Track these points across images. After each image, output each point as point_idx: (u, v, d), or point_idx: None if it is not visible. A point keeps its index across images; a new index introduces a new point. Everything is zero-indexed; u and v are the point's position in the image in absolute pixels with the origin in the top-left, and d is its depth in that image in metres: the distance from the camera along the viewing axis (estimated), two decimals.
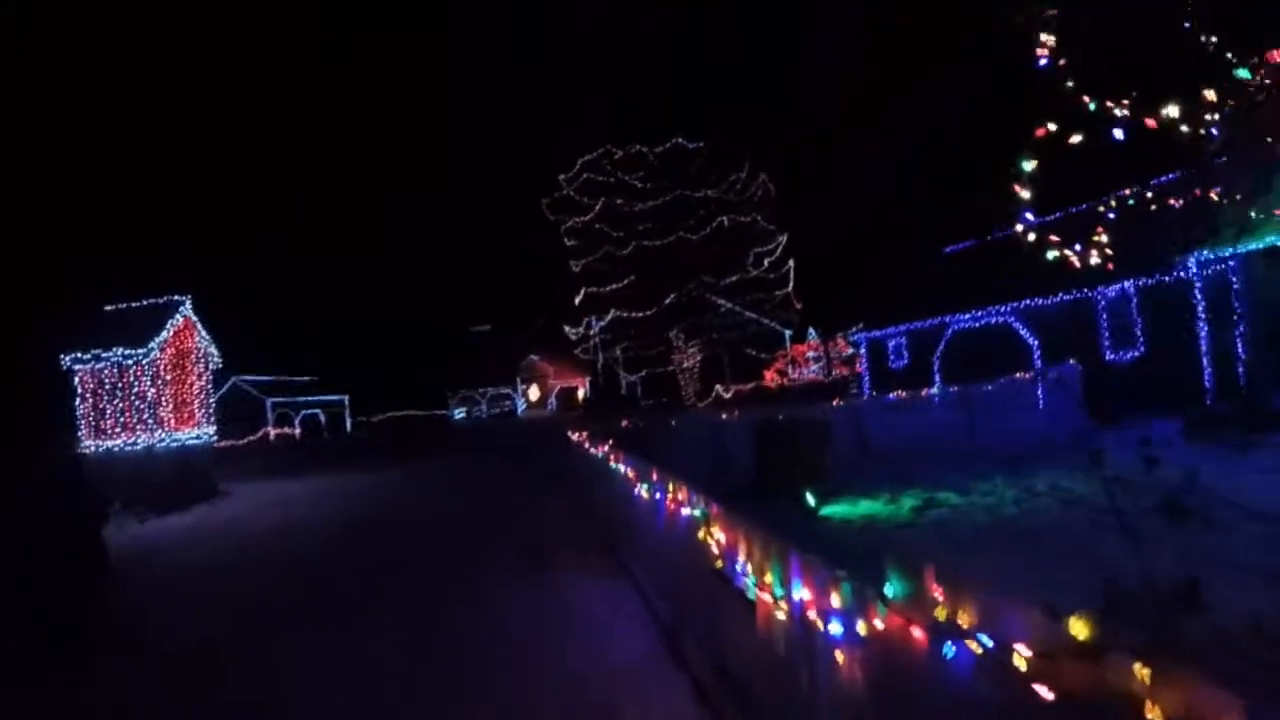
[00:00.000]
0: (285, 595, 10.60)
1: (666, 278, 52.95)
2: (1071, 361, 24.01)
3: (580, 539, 11.55)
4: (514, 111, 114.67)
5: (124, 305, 22.65)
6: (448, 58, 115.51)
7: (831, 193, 69.09)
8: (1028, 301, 26.25)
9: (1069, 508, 11.38)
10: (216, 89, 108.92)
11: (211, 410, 23.37)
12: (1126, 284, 23.11)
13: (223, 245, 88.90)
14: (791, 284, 55.75)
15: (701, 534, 4.92)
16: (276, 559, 13.22)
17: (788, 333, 57.54)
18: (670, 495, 5.86)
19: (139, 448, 20.54)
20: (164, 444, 20.84)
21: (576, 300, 56.81)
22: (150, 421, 20.53)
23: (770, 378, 53.86)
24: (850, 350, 49.45)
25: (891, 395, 19.84)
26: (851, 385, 43.63)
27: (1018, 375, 23.46)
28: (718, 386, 56.24)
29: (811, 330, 57.16)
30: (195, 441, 22.29)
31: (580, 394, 77.98)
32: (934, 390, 20.51)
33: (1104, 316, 24.01)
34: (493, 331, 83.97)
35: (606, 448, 10.26)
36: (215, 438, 23.73)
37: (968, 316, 28.36)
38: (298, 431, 70.25)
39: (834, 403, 18.84)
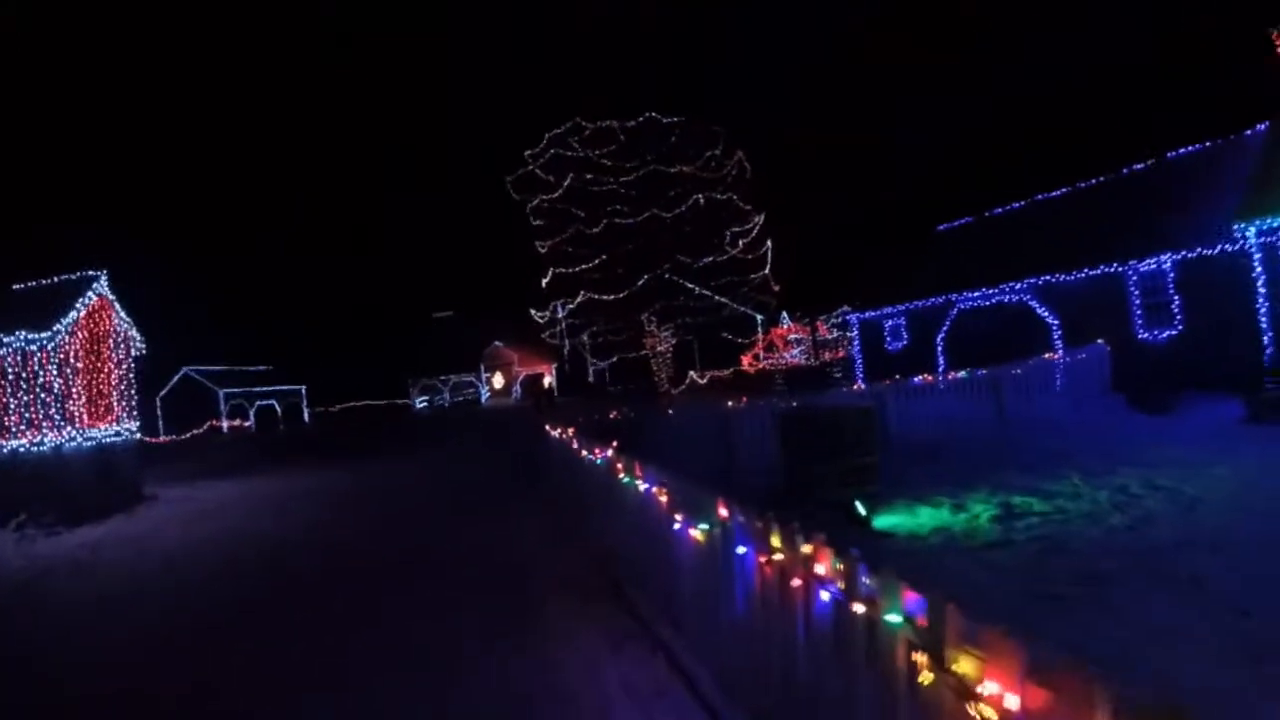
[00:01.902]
0: (174, 657, 7.94)
1: (639, 258, 50.23)
2: (1100, 341, 22.02)
3: (580, 585, 9.04)
4: (487, 90, 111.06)
5: (33, 284, 19.70)
6: (431, 37, 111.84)
7: (811, 171, 66.71)
8: (1047, 277, 24.08)
9: (1190, 513, 9.09)
10: (169, 67, 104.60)
11: (134, 404, 20.46)
12: (1161, 257, 20.96)
13: (172, 231, 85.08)
14: (769, 266, 53.36)
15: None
16: (177, 597, 10.50)
17: (759, 318, 55.29)
18: (767, 555, 3.36)
19: (45, 448, 17.63)
20: (75, 443, 17.94)
21: (544, 282, 54.04)
22: (58, 417, 17.62)
23: (747, 363, 51.57)
24: (831, 334, 47.33)
25: (916, 379, 17.47)
26: (836, 370, 41.40)
27: (1046, 356, 21.36)
28: (692, 373, 53.86)
29: (785, 315, 55.04)
30: (115, 439, 19.39)
31: (546, 381, 75.32)
32: (960, 373, 18.13)
33: (1135, 293, 21.84)
34: (455, 317, 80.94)
35: (608, 452, 7.75)
36: (139, 434, 20.79)
37: (977, 294, 26.10)
38: (251, 424, 67.17)
39: (854, 387, 16.35)
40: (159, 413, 65.70)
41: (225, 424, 64.78)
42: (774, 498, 11.35)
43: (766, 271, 53.08)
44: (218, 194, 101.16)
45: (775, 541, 3.31)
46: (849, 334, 44.19)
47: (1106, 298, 22.54)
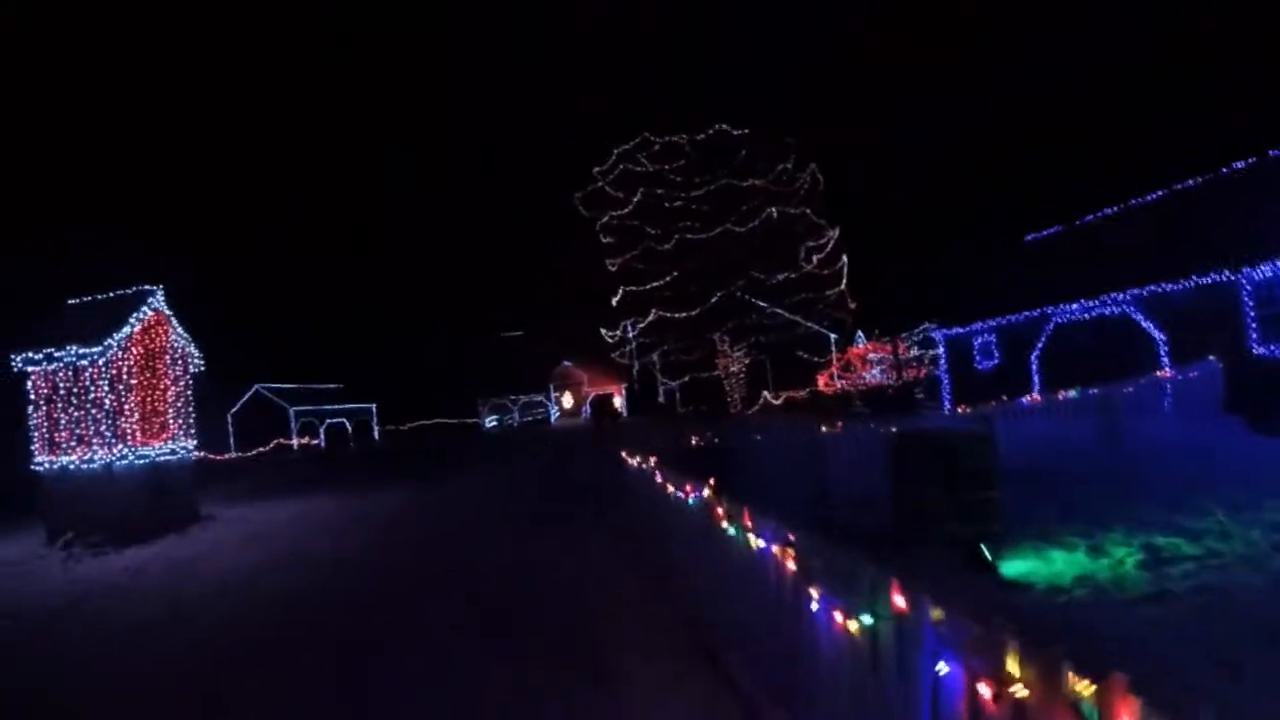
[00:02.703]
0: (187, 696, 6.84)
1: (711, 275, 48.98)
2: (1211, 358, 20.19)
3: (665, 649, 7.77)
4: (537, 109, 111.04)
5: (88, 299, 19.14)
6: (459, 53, 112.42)
7: (884, 182, 64.87)
8: (1152, 288, 22.17)
9: None
10: (235, 89, 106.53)
11: (191, 421, 19.73)
12: (1278, 262, 19.13)
13: (244, 249, 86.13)
14: (844, 281, 51.69)
15: None
16: (209, 631, 9.45)
17: (833, 337, 53.59)
18: (996, 685, 2.02)
19: (95, 465, 16.93)
20: (126, 461, 17.21)
21: (614, 301, 53.09)
22: (108, 434, 16.91)
23: (823, 383, 49.85)
24: (912, 352, 45.44)
25: (1024, 399, 15.88)
26: (918, 390, 39.51)
27: (1158, 373, 19.60)
28: (765, 393, 52.31)
29: (859, 333, 53.24)
30: (170, 457, 18.67)
31: (617, 402, 74.24)
32: (1070, 392, 16.50)
33: (1249, 303, 19.95)
34: (525, 337, 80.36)
35: (702, 491, 6.42)
36: (195, 452, 20.08)
37: (1075, 307, 24.26)
38: (321, 441, 67.19)
39: (959, 409, 14.83)
40: (230, 429, 66.14)
41: (295, 441, 64.83)
42: (880, 537, 9.98)
43: (842, 287, 51.44)
44: (293, 215, 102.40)
45: (1013, 666, 1.97)
46: (932, 352, 42.38)
47: (1217, 309, 20.65)
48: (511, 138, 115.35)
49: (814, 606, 3.53)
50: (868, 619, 2.86)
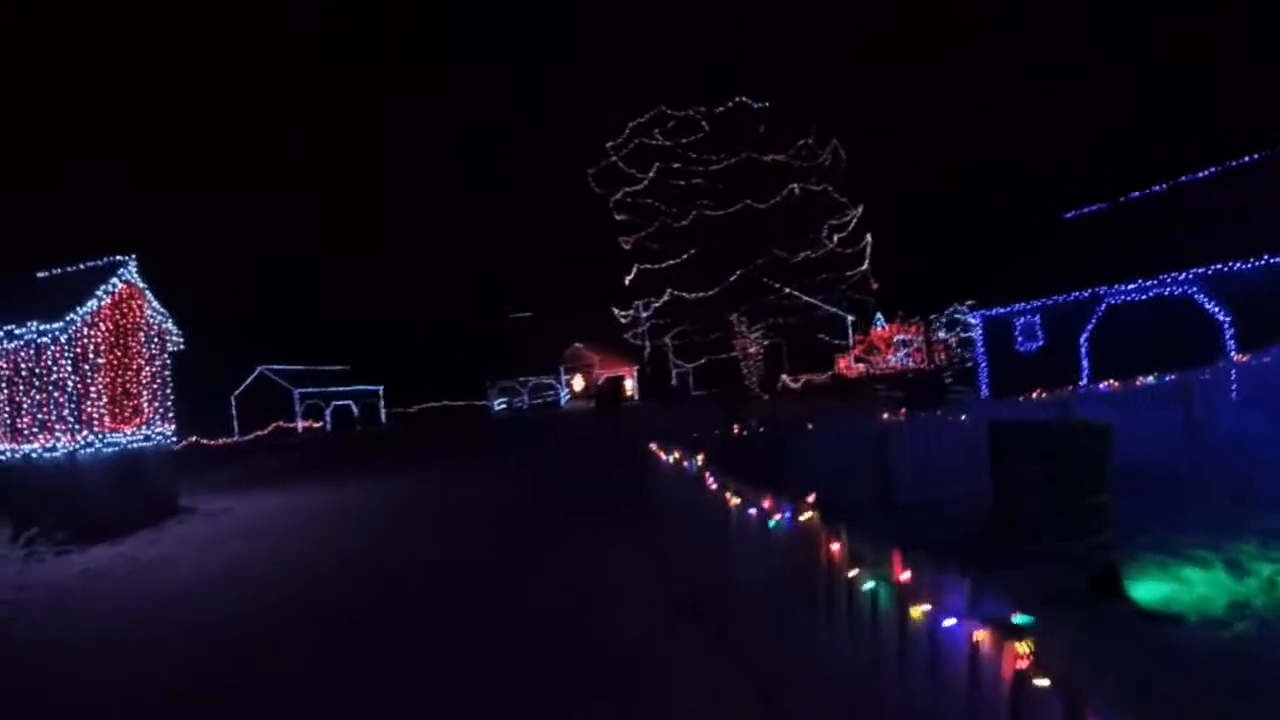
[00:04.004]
0: None
1: (729, 253, 46.89)
2: None
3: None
4: (553, 80, 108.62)
5: (57, 271, 17.43)
6: (468, 20, 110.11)
7: (909, 160, 62.75)
8: (1218, 266, 20.32)
9: None
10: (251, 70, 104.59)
11: (170, 404, 18.00)
12: None
13: (252, 228, 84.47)
14: (868, 261, 49.70)
15: None
16: (151, 650, 7.74)
17: (850, 319, 51.66)
18: None
19: (59, 454, 15.23)
20: (93, 449, 15.50)
21: (627, 280, 51.15)
22: (72, 420, 15.17)
23: (844, 366, 47.99)
24: (939, 334, 43.56)
25: (1102, 386, 14.06)
26: (947, 373, 37.59)
27: (1234, 358, 17.77)
28: (784, 377, 50.44)
29: (879, 316, 51.36)
30: (144, 444, 16.95)
31: (628, 384, 72.36)
32: (1149, 378, 14.67)
33: None
34: (534, 318, 78.50)
35: (803, 514, 4.54)
36: (174, 439, 18.38)
37: (1131, 287, 22.37)
38: (327, 424, 65.67)
39: (1034, 395, 13.00)
40: (234, 412, 64.69)
41: (300, 424, 63.30)
42: (970, 548, 8.21)
43: (865, 267, 49.48)
44: (303, 195, 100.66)
45: None
46: (961, 334, 40.49)
47: None
48: (522, 111, 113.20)
49: None
50: None
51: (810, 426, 10.33)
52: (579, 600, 8.24)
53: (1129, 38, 55.56)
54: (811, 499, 4.38)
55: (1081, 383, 13.92)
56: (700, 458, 7.26)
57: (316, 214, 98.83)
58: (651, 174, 48.19)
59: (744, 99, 47.95)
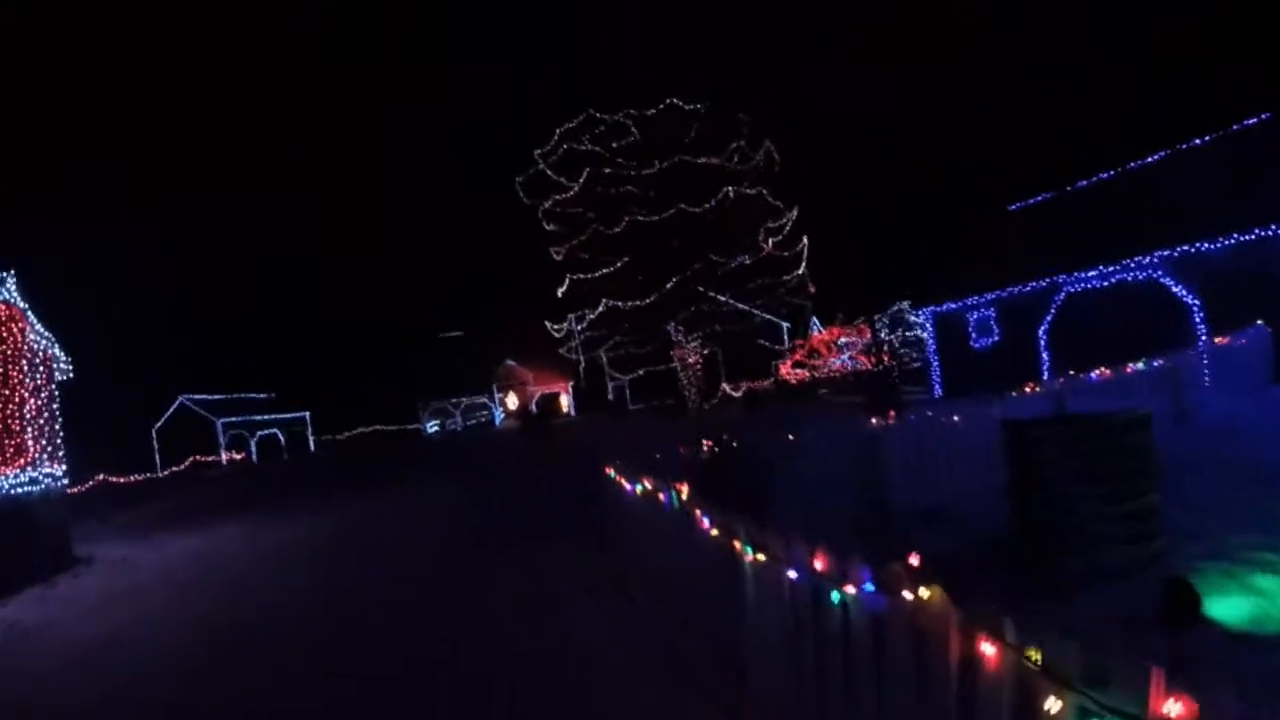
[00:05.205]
0: None
1: (664, 260, 45.53)
2: (1260, 323, 17.72)
3: None
4: (483, 88, 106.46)
5: None
6: (391, 27, 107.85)
7: (844, 161, 62.25)
8: (1185, 248, 19.57)
9: None
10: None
11: (59, 442, 15.98)
12: None
13: (166, 251, 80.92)
14: (804, 264, 48.81)
15: None
16: None
17: (785, 325, 50.73)
18: None
19: None
20: None
21: (559, 292, 49.50)
22: None
23: (785, 371, 46.96)
24: (882, 334, 42.68)
25: (1093, 374, 12.97)
26: (894, 373, 36.59)
27: (1218, 341, 16.96)
28: (725, 385, 49.30)
29: (815, 320, 50.62)
30: (29, 489, 14.89)
31: (563, 401, 70.58)
32: (1138, 365, 13.67)
33: None
34: (465, 336, 76.33)
35: (857, 575, 3.08)
36: (65, 480, 16.34)
37: (1094, 273, 21.52)
38: (253, 455, 62.85)
39: (1030, 390, 11.78)
40: (155, 446, 61.55)
41: (224, 456, 60.41)
42: (985, 563, 6.87)
43: (803, 270, 48.57)
44: (209, 205, 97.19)
45: None
46: (905, 334, 39.63)
47: (1260, 270, 18.20)
48: (446, 119, 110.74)
49: None
50: None
51: (791, 438, 8.98)
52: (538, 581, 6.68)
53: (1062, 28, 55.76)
54: (915, 559, 2.91)
55: (1102, 370, 12.79)
56: (683, 489, 5.72)
57: (237, 237, 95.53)
58: (582, 179, 46.67)
59: (675, 101, 46.71)
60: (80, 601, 12.33)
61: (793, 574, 3.71)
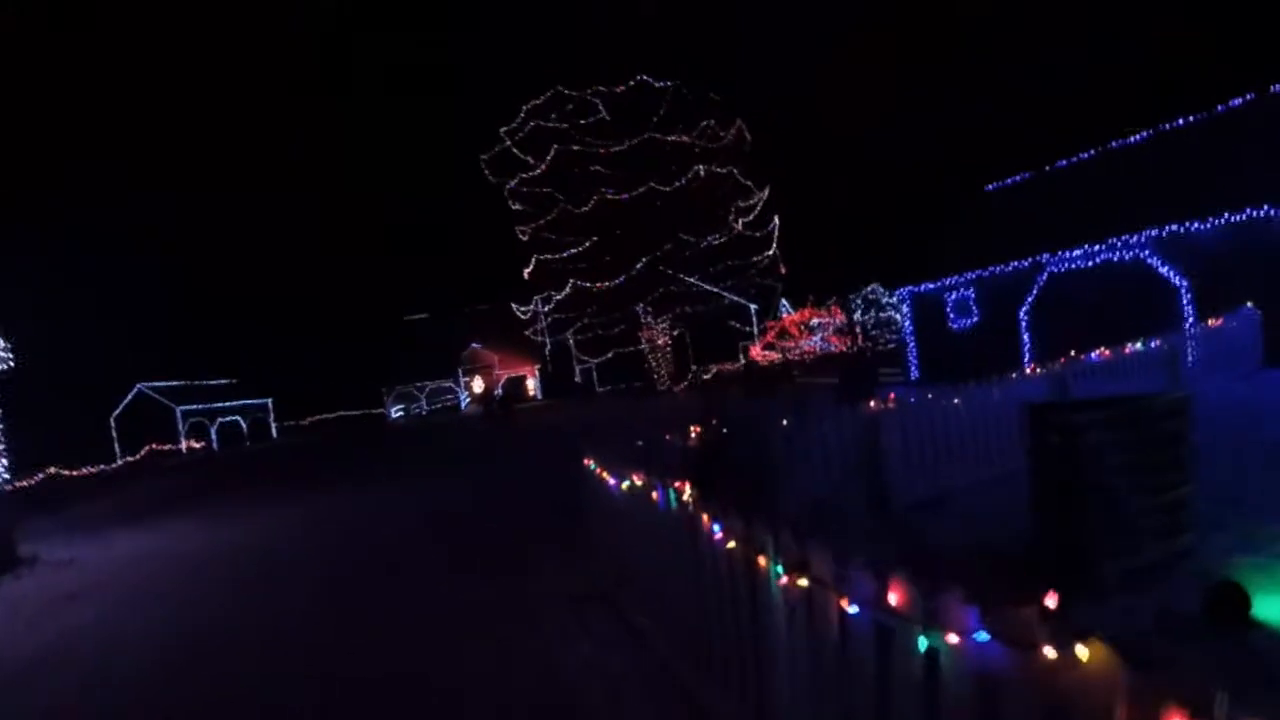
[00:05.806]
0: None
1: (633, 240, 44.65)
2: (1249, 305, 17.32)
3: None
4: (454, 65, 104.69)
5: None
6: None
7: (816, 141, 61.69)
8: (1173, 227, 19.07)
9: None
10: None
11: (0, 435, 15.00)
12: None
13: (123, 231, 78.82)
14: (775, 245, 48.15)
15: None
16: None
17: (753, 308, 50.12)
18: None
19: None
20: None
21: (526, 273, 48.49)
22: None
23: (756, 354, 46.37)
24: (855, 315, 42.25)
25: (1094, 355, 12.38)
26: (868, 354, 36.15)
27: (1209, 323, 16.50)
28: (694, 367, 48.66)
29: (784, 302, 50.10)
30: None
31: (529, 384, 69.76)
32: (1136, 345, 13.15)
33: None
34: (430, 319, 75.12)
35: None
36: (6, 475, 15.34)
37: (1078, 253, 20.99)
38: (214, 444, 61.43)
39: (1029, 372, 11.15)
40: (114, 435, 60.07)
41: (183, 445, 58.99)
42: (1012, 564, 6.19)
43: (774, 251, 47.91)
44: (167, 191, 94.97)
45: None
46: (878, 315, 39.17)
47: (1251, 250, 17.75)
48: (410, 95, 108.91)
49: None
50: None
51: (785, 423, 8.29)
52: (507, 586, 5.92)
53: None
54: (1052, 599, 2.15)
55: (1103, 351, 12.21)
56: (685, 489, 4.92)
57: (193, 221, 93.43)
58: (549, 157, 45.62)
59: (645, 78, 45.74)
60: (20, 607, 11.38)
61: (850, 607, 2.89)
